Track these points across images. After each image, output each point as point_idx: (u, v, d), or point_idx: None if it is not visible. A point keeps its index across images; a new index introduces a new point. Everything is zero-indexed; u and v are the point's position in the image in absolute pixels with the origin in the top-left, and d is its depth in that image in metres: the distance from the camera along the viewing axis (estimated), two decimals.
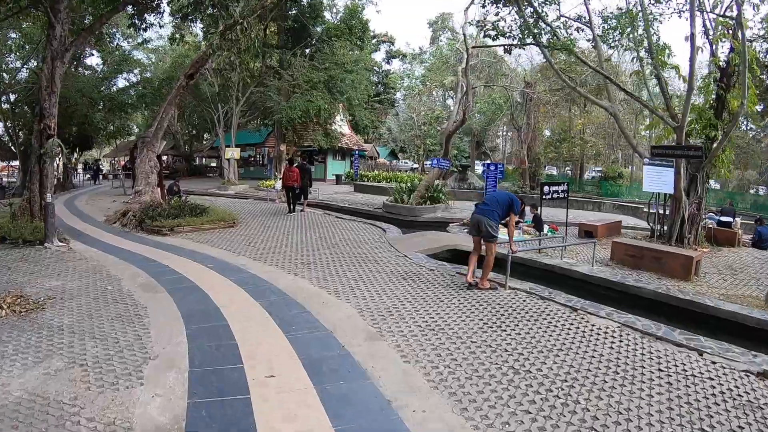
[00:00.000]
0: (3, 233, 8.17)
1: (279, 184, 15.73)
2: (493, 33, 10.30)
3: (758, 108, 11.15)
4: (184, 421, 2.85)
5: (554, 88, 22.68)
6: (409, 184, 16.40)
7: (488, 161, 30.35)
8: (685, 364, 3.86)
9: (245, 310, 4.85)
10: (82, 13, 12.27)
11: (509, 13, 10.37)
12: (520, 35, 9.85)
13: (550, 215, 11.95)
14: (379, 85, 42.18)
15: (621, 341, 4.30)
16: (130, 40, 25.98)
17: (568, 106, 25.66)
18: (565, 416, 3.00)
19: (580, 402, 3.18)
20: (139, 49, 28.18)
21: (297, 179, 12.56)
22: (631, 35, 9.55)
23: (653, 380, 3.55)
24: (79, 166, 33.66)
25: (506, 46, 11.72)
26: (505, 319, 4.75)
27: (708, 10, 9.37)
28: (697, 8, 8.70)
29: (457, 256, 8.31)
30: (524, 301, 5.37)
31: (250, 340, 4.07)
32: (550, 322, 4.69)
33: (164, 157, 25.93)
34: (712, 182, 17.79)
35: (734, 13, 8.90)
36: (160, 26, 12.97)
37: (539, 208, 10.71)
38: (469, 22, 15.01)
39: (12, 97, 20.81)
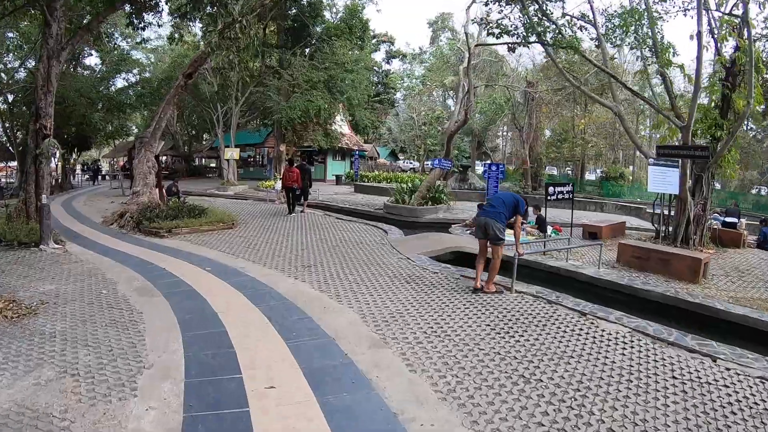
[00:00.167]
0: None
1: (279, 185, 15.58)
2: (496, 31, 10.16)
3: (760, 108, 10.98)
4: None
5: (556, 87, 22.55)
6: (410, 185, 16.26)
7: (489, 161, 30.19)
8: (699, 371, 3.75)
9: (244, 316, 4.71)
10: (80, 11, 12.14)
11: (512, 11, 10.24)
12: (524, 33, 9.69)
13: (553, 216, 11.84)
14: (379, 85, 42.03)
15: (633, 347, 4.17)
16: (129, 39, 25.85)
17: (570, 106, 25.53)
18: (580, 429, 2.86)
19: (595, 413, 3.04)
20: (137, 49, 28.10)
21: (297, 180, 12.41)
22: (635, 34, 9.42)
23: (668, 389, 3.43)
24: (78, 167, 33.52)
25: (510, 45, 11.56)
26: (512, 324, 4.61)
27: (713, 8, 9.25)
28: (702, 6, 8.57)
29: (461, 258, 8.17)
30: (531, 305, 5.24)
31: (248, 347, 3.93)
32: (559, 328, 4.56)
33: (162, 158, 25.82)
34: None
35: (740, 12, 8.78)
36: (159, 25, 12.88)
37: (542, 209, 10.59)
38: (472, 20, 14.88)
39: (10, 98, 20.70)
